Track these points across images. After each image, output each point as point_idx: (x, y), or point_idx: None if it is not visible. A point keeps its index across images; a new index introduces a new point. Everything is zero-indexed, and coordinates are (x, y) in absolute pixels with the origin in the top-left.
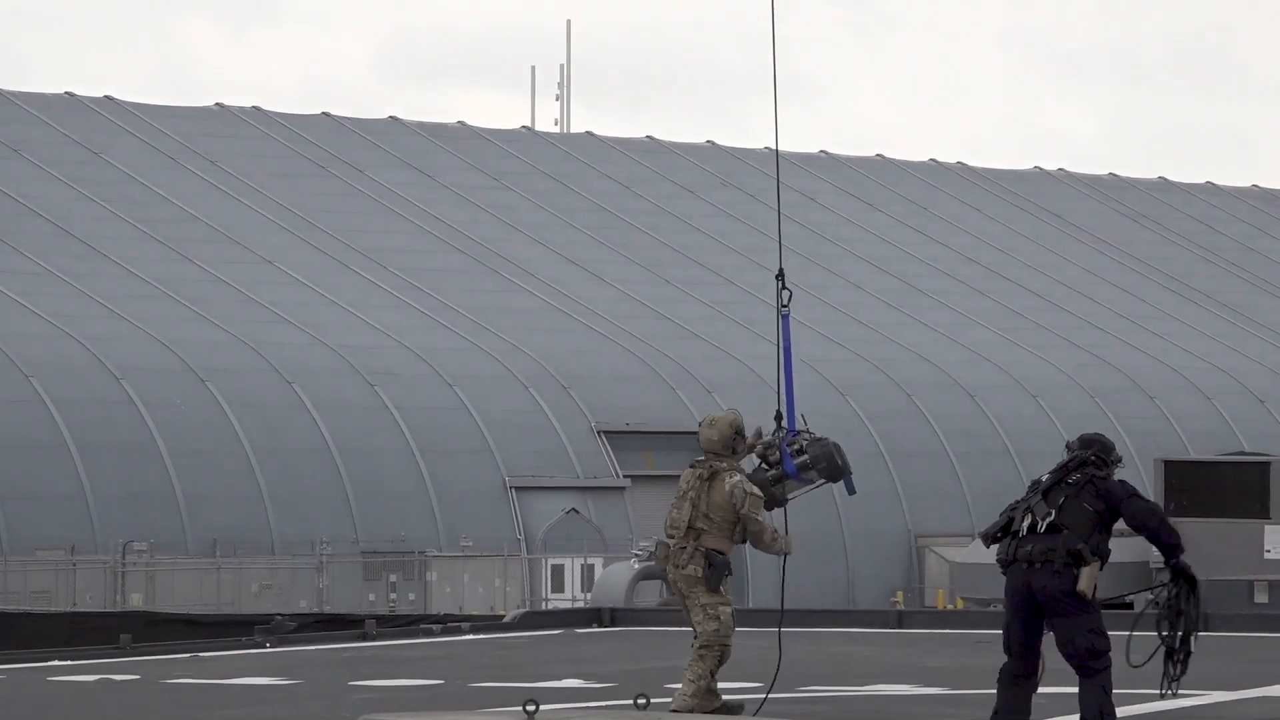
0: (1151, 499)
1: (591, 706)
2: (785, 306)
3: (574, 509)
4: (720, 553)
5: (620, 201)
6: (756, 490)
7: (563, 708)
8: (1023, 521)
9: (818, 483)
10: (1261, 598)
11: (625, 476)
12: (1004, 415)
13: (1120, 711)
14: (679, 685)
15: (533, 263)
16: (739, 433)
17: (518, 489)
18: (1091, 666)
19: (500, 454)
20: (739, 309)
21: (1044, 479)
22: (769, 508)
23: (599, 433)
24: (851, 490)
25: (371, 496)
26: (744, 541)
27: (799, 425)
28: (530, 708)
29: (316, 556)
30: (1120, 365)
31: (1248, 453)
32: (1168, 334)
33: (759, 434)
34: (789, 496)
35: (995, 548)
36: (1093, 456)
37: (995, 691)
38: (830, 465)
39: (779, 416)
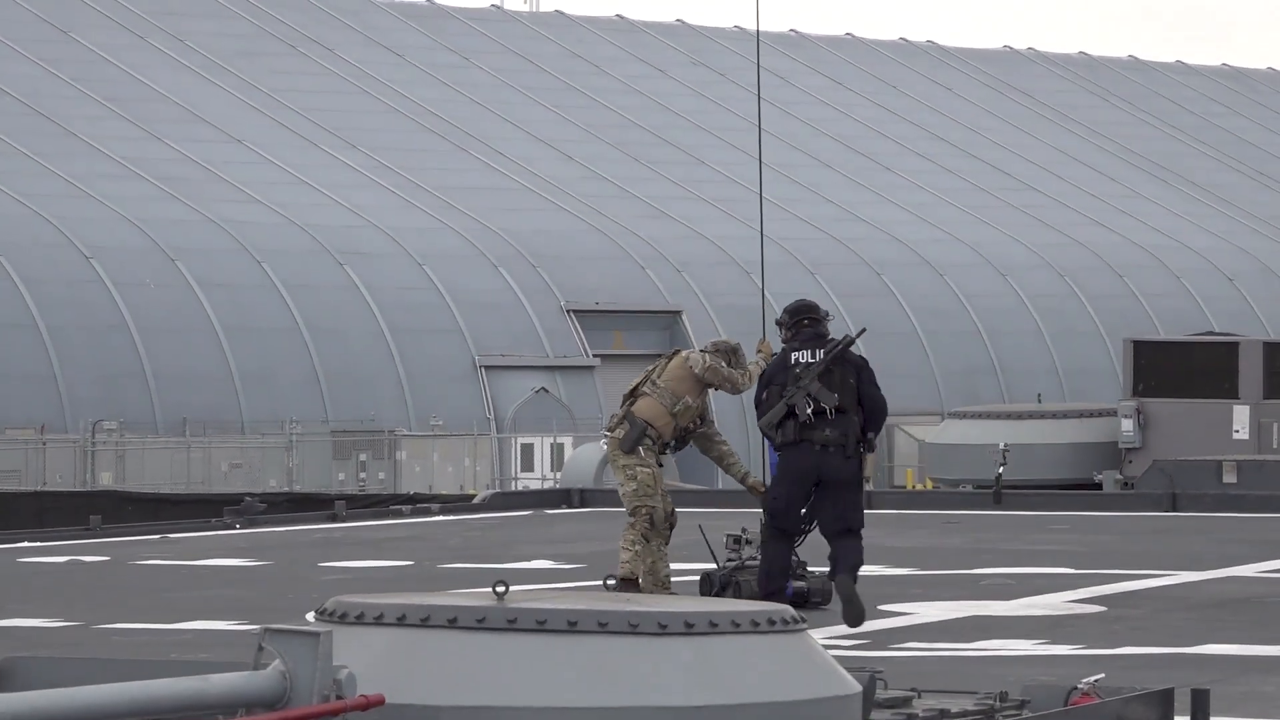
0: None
1: (561, 587)
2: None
3: (543, 388)
4: (645, 420)
5: (590, 80)
6: (716, 353)
7: (532, 589)
8: (807, 408)
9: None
10: (1230, 478)
11: (595, 355)
12: (973, 294)
13: (1087, 591)
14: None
15: (502, 142)
16: (728, 350)
17: (487, 368)
18: (855, 532)
19: (470, 333)
20: (709, 188)
21: (802, 358)
22: None
23: (568, 312)
24: None
25: (341, 376)
26: (687, 430)
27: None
28: (500, 589)
29: (286, 436)
30: (1089, 244)
31: (1216, 332)
32: (1137, 213)
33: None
34: None
35: (788, 426)
36: (809, 323)
37: (765, 552)
38: (825, 600)
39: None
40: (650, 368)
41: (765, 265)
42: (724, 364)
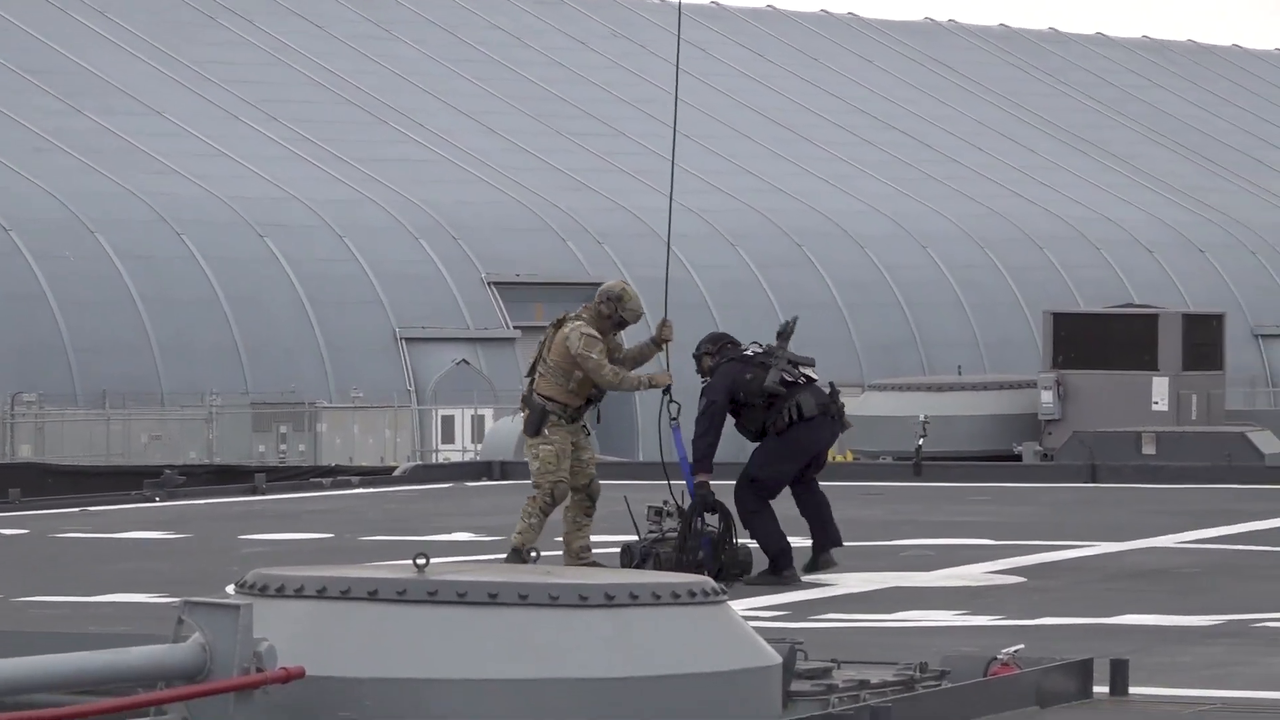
0: None
1: (482, 559)
2: (675, 419)
3: (464, 360)
4: (546, 398)
5: (511, 52)
6: (593, 332)
7: (453, 561)
8: (795, 370)
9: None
10: (1149, 449)
11: (515, 328)
12: (894, 265)
13: (1007, 562)
14: (560, 538)
15: (423, 114)
16: (611, 298)
17: (408, 340)
18: None
19: (390, 305)
20: (629, 160)
21: (755, 349)
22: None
23: (489, 284)
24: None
25: (261, 348)
26: (592, 395)
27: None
28: (421, 561)
29: (206, 408)
30: (1010, 216)
31: (1136, 304)
32: (1058, 185)
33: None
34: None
35: (805, 396)
36: (730, 345)
37: (763, 528)
38: (744, 571)
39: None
40: (541, 339)
41: (686, 238)
42: (596, 349)
